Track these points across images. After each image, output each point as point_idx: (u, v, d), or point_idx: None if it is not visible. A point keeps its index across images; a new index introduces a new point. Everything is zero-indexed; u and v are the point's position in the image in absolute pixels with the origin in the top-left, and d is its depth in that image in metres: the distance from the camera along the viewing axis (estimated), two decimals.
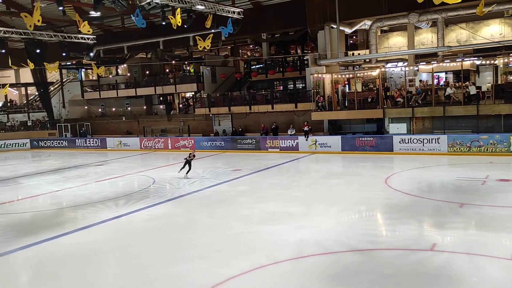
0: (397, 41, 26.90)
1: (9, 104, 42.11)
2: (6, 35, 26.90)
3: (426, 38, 25.78)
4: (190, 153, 18.71)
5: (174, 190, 16.24)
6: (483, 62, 23.05)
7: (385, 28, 26.06)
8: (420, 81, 24.91)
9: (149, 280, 8.13)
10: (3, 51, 29.48)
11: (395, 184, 15.21)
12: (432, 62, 24.42)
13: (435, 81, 24.36)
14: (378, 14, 23.97)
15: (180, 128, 32.41)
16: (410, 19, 23.17)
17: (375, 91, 24.37)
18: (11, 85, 39.85)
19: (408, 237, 9.89)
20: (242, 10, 25.07)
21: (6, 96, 40.87)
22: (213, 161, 23.51)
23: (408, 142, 21.97)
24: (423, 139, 21.65)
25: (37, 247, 10.26)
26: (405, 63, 25.71)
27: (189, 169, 18.18)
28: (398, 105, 23.40)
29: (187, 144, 28.50)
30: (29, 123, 38.85)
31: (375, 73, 24.81)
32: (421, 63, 25.25)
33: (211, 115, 31.05)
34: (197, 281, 7.93)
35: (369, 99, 24.24)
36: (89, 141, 33.72)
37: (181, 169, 18.35)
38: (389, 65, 26.32)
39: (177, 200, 14.55)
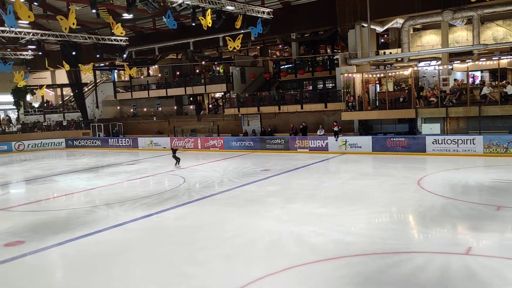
0: (430, 39, 26.26)
1: (45, 104, 43.52)
2: (43, 38, 27.81)
3: (461, 36, 25.08)
4: (175, 149, 23.18)
5: (203, 189, 16.39)
6: None
7: (418, 26, 25.48)
8: (455, 80, 24.26)
9: (177, 279, 8.23)
10: (40, 53, 30.58)
11: (428, 185, 14.84)
12: (467, 61, 23.71)
13: (470, 80, 23.64)
14: (411, 12, 23.46)
15: (209, 128, 32.70)
16: (444, 17, 22.57)
17: (407, 91, 23.86)
18: (48, 86, 41.20)
19: (442, 240, 9.62)
20: (272, 10, 25.06)
21: (42, 97, 42.26)
22: (242, 161, 23.59)
23: (441, 143, 21.42)
24: (458, 140, 21.06)
25: (72, 244, 10.54)
26: (439, 62, 25.08)
27: (178, 160, 22.19)
28: (431, 105, 22.84)
29: (216, 144, 28.74)
30: (65, 123, 40.05)
31: (407, 72, 24.30)
32: (455, 62, 24.57)
33: (240, 115, 31.18)
34: (223, 281, 7.95)
35: (401, 99, 23.76)
36: (121, 140, 34.46)
37: (176, 164, 21.99)
38: (422, 64, 25.73)
39: (207, 199, 14.66)
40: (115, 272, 8.73)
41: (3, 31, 24.79)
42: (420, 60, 25.68)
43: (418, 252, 8.85)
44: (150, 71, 42.60)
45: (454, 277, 7.54)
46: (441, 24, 23.96)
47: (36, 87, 40.03)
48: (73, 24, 17.53)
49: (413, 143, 22.25)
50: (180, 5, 20.35)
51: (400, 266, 8.20)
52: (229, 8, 22.29)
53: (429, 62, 26.11)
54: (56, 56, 36.10)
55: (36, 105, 43.27)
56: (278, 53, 41.58)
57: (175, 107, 37.93)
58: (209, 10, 20.56)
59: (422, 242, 9.76)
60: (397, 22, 25.61)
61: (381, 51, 27.79)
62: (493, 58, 23.00)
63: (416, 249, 9.04)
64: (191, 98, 38.28)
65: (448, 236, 10.02)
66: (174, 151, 22.87)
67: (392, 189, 14.76)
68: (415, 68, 24.49)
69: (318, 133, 25.83)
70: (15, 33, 25.44)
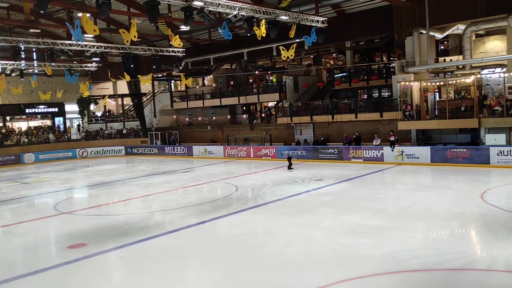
0: (495, 45, 24.95)
1: (107, 113, 45.73)
2: (106, 50, 29.30)
3: None
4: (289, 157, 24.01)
5: (256, 198, 16.44)
6: None
7: (480, 32, 24.31)
8: None
9: (230, 286, 8.26)
10: (100, 64, 32.21)
11: (492, 199, 13.99)
12: None
13: None
14: (474, 18, 22.44)
15: (262, 137, 32.87)
16: (510, 22, 21.39)
17: (470, 100, 22.74)
18: (109, 96, 43.34)
19: (506, 259, 9.00)
20: (326, 18, 24.89)
21: (105, 106, 44.47)
22: (294, 170, 23.44)
23: (507, 155, 20.17)
24: None
25: (129, 248, 10.91)
26: (504, 69, 23.73)
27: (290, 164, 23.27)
28: (496, 114, 21.62)
29: (268, 153, 28.83)
30: (124, 131, 41.82)
31: (469, 80, 23.19)
32: None
33: (293, 124, 31.12)
34: None
35: (463, 108, 22.69)
36: (177, 148, 35.44)
37: (290, 167, 23.01)
38: (485, 71, 24.47)
39: (259, 208, 14.69)
40: (170, 277, 8.90)
41: (70, 45, 26.40)
42: (483, 68, 24.45)
43: (480, 269, 8.33)
44: (205, 81, 43.63)
45: None
46: (506, 30, 22.70)
47: (99, 97, 42.21)
48: (134, 37, 18.31)
49: (475, 154, 21.14)
50: (235, 16, 20.68)
51: (459, 283, 7.76)
52: (283, 18, 22.38)
53: (493, 69, 24.77)
54: (117, 67, 37.96)
55: (98, 114, 45.58)
56: (332, 62, 41.19)
57: (229, 116, 38.51)
58: (263, 21, 20.75)
59: (484, 260, 9.18)
60: (458, 28, 24.57)
61: (441, 59, 26.76)
62: None
63: (477, 266, 8.53)
64: (244, 108, 38.72)
65: None
66: (289, 159, 23.75)
67: (453, 203, 14.05)
68: (478, 76, 23.34)
69: (374, 142, 25.20)
70: (81, 46, 26.99)
